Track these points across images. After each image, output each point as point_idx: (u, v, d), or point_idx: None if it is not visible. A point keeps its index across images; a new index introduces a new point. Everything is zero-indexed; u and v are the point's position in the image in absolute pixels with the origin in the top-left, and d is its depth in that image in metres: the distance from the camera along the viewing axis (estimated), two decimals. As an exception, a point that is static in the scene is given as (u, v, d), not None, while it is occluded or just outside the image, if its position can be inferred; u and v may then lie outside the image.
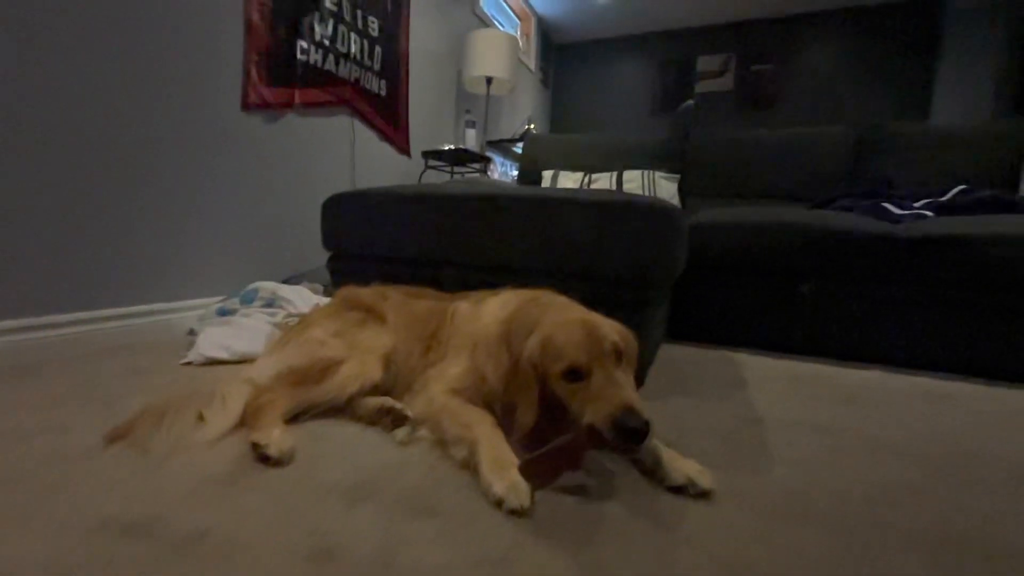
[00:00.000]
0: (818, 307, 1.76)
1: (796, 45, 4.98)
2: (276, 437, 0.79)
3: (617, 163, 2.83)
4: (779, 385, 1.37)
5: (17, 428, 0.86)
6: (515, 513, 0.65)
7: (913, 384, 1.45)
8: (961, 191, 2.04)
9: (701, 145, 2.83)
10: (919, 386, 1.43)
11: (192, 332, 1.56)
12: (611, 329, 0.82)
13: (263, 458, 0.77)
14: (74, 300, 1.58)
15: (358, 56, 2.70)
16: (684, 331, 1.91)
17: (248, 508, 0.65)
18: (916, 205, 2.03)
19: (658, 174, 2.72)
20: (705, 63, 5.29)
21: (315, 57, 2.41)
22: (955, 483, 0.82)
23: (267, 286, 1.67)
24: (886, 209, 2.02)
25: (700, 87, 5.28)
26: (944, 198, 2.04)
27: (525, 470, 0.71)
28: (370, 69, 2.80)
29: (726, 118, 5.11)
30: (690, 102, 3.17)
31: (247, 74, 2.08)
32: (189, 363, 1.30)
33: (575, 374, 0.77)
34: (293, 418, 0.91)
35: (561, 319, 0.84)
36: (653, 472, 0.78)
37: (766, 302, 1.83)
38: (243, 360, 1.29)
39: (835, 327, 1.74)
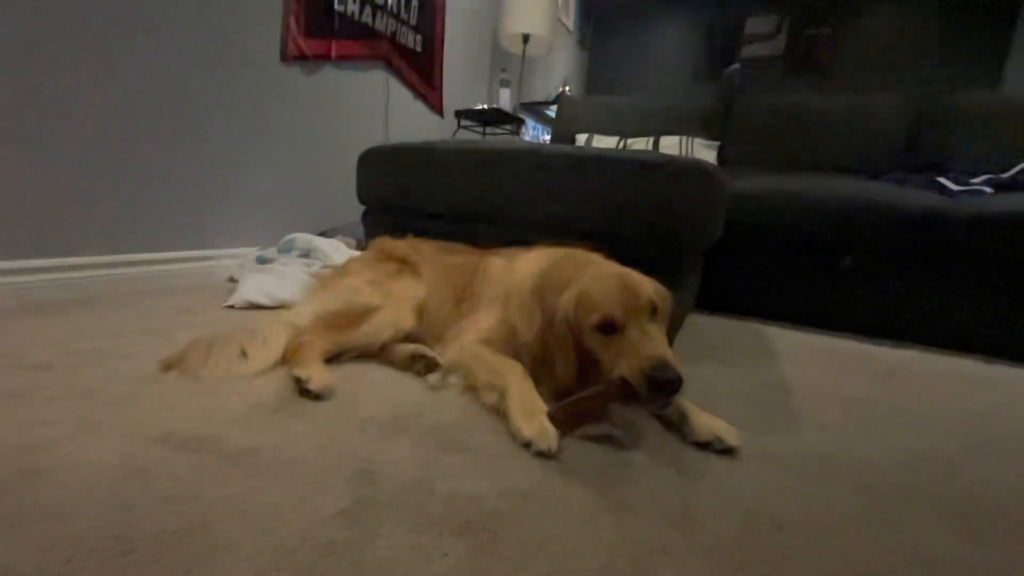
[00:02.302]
0: (858, 283, 1.70)
1: (855, 7, 4.61)
2: (316, 373, 0.84)
3: (654, 128, 2.73)
4: (811, 358, 1.35)
5: (86, 351, 0.94)
6: (543, 455, 0.68)
7: (952, 365, 1.40)
8: (1027, 167, 1.90)
9: (744, 111, 2.69)
10: (959, 367, 1.38)
11: (232, 279, 1.63)
12: (646, 284, 0.82)
13: (304, 392, 0.81)
14: (122, 243, 1.66)
15: (394, 9, 2.64)
16: (715, 302, 1.88)
17: (293, 432, 0.69)
18: (974, 181, 1.91)
19: (697, 140, 2.61)
20: (755, 25, 4.97)
21: (352, 8, 2.37)
22: (989, 459, 0.80)
23: (304, 237, 1.72)
24: (941, 184, 1.91)
25: (747, 51, 4.97)
26: (1006, 174, 1.91)
27: (553, 417, 0.73)
28: (406, 23, 2.75)
29: (775, 85, 4.83)
30: (736, 66, 3.00)
31: (287, 25, 2.07)
32: (231, 306, 1.36)
33: (609, 327, 0.78)
34: (330, 360, 0.95)
35: (597, 273, 0.85)
36: (678, 427, 0.79)
37: (802, 275, 1.77)
38: (281, 306, 1.34)
39: (874, 304, 1.68)
